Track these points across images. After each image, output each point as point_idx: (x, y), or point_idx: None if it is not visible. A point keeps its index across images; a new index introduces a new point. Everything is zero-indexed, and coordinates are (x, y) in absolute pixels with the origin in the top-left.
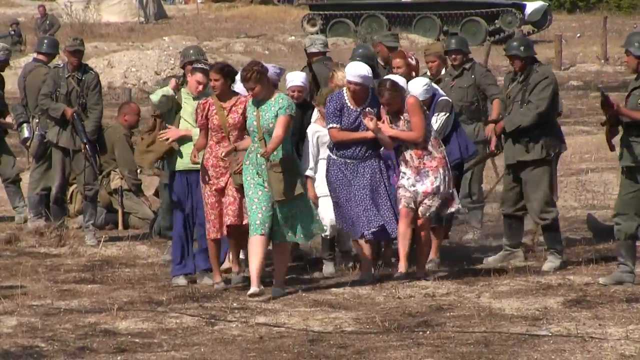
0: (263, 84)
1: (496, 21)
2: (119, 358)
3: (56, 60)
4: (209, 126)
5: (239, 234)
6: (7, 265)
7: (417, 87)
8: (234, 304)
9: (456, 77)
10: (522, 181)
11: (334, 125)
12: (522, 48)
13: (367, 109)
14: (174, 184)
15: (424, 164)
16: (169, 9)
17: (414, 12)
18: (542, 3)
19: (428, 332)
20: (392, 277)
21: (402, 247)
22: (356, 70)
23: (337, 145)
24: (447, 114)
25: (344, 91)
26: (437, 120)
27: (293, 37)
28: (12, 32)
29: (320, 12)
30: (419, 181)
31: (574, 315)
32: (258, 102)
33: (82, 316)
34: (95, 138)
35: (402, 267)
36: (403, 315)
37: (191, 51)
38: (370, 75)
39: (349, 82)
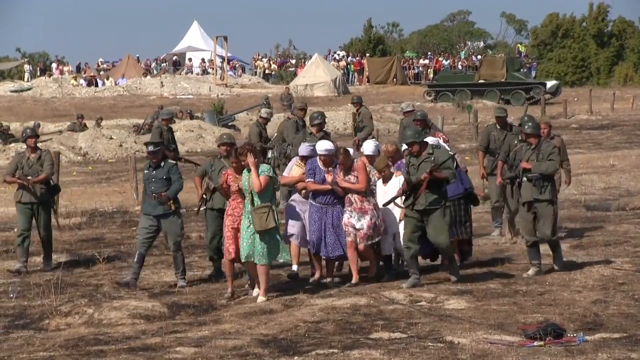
0: (251, 158)
1: (530, 92)
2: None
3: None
4: (228, 190)
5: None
6: None
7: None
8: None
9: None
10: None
11: (310, 179)
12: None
13: (330, 169)
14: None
15: (363, 206)
16: (350, 88)
17: (485, 87)
18: (555, 81)
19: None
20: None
21: (353, 264)
22: (324, 146)
23: (313, 194)
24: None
25: (317, 158)
26: None
27: (418, 102)
28: (265, 102)
29: (434, 88)
30: (362, 218)
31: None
32: (248, 170)
33: None
34: None
35: (355, 278)
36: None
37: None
38: (333, 148)
39: (320, 154)
